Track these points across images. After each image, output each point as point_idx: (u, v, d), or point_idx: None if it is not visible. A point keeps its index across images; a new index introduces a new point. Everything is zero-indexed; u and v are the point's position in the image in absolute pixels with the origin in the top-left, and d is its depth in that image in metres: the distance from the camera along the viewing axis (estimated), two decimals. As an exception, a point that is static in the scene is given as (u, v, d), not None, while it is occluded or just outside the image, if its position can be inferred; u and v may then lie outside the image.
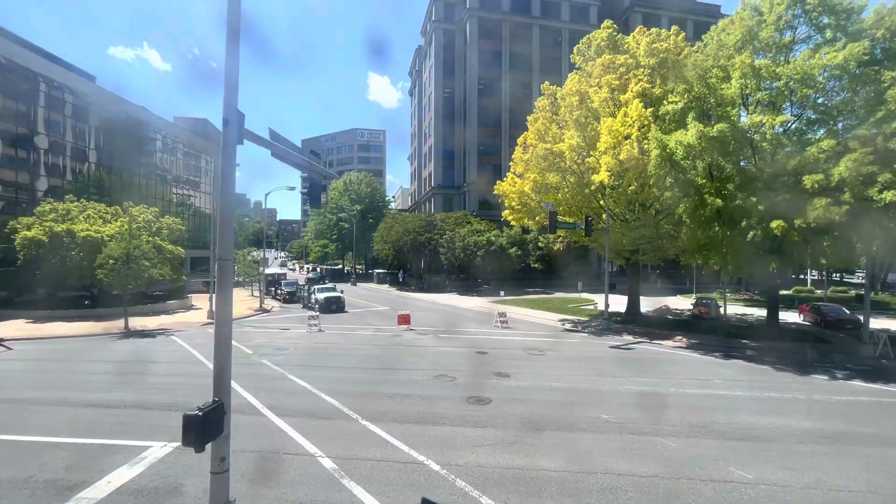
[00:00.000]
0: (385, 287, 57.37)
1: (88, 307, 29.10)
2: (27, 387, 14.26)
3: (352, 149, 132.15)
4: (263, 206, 64.22)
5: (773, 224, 17.41)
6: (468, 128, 58.96)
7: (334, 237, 71.29)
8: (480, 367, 16.80)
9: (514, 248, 47.21)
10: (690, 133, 19.19)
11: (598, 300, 39.34)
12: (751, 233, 18.64)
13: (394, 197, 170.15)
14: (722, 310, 30.82)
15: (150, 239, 30.71)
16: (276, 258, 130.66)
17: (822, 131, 19.99)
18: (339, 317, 30.58)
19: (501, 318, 26.49)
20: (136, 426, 10.72)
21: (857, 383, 15.44)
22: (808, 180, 17.15)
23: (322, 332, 24.18)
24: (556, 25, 60.27)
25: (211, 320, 28.47)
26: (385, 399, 12.78)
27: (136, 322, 26.29)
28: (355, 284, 61.45)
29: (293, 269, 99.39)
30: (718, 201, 19.31)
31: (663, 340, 23.04)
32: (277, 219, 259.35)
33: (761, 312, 31.11)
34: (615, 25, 27.05)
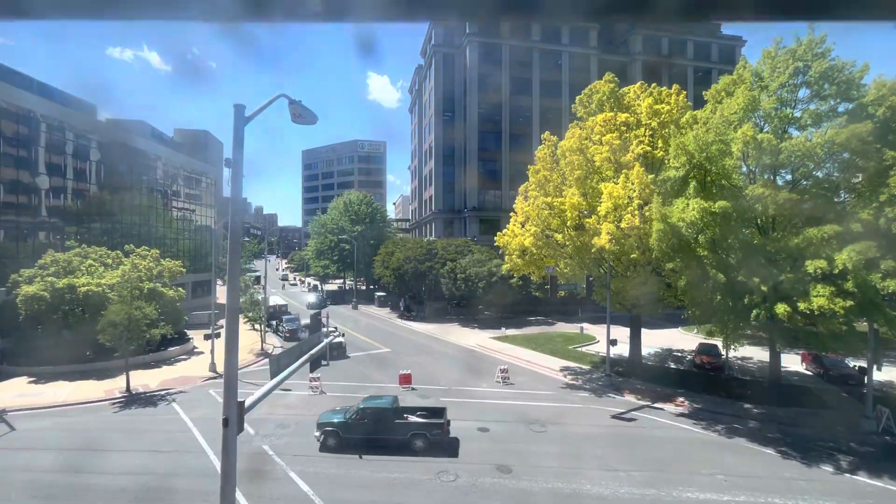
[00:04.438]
0: (386, 313, 57.30)
1: (89, 360, 29.08)
2: (26, 496, 14.23)
3: (352, 160, 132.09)
4: (264, 213, 64.03)
5: (779, 309, 17.37)
6: (469, 152, 58.87)
7: (335, 258, 71.18)
8: (483, 455, 16.76)
9: (516, 279, 47.11)
10: (692, 210, 19.14)
11: (600, 335, 39.26)
12: (754, 311, 18.60)
13: (394, 204, 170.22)
14: (723, 352, 30.66)
15: (151, 285, 30.82)
16: (276, 268, 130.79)
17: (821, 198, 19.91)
18: (340, 365, 30.60)
19: (503, 374, 26.46)
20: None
21: (862, 479, 15.37)
22: (810, 265, 17.07)
23: (324, 393, 24.19)
24: (556, 49, 60.13)
25: (212, 373, 28.51)
26: (387, 517, 12.79)
27: (138, 379, 26.26)
28: (356, 308, 61.40)
29: (294, 284, 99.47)
30: (721, 276, 19.26)
31: (665, 403, 23.01)
32: (278, 224, 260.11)
33: (763, 355, 31.03)
34: (616, 79, 26.96)
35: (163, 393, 24.66)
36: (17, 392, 24.58)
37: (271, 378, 8.07)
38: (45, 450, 17.40)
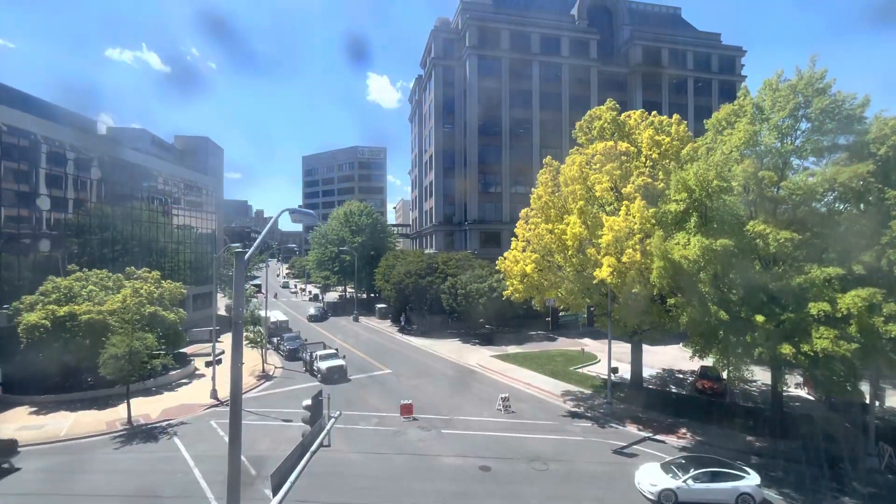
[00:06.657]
0: (387, 326, 57.27)
1: (91, 387, 29.09)
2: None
3: (352, 166, 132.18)
4: (265, 216, 63.89)
5: (784, 349, 17.35)
6: (469, 164, 58.82)
7: (336, 269, 71.18)
8: (484, 500, 16.72)
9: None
10: (694, 247, 19.10)
11: (601, 353, 39.12)
12: (757, 349, 18.58)
13: (395, 207, 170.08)
14: (724, 373, 30.51)
15: (153, 309, 30.84)
16: (277, 274, 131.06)
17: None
18: (341, 390, 30.47)
19: (504, 402, 26.44)
20: None
21: (865, 528, 15.34)
22: (813, 308, 17.03)
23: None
24: (555, 61, 60.06)
25: (214, 401, 28.53)
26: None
27: (139, 407, 26.24)
28: (357, 320, 61.45)
29: (295, 292, 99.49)
30: (723, 314, 19.18)
31: (667, 435, 23.00)
32: (279, 228, 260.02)
33: (764, 376, 30.92)
34: (618, 106, 26.93)
35: (164, 424, 24.61)
36: (19, 424, 24.55)
37: (273, 495, 7.94)
38: (47, 495, 17.37)
